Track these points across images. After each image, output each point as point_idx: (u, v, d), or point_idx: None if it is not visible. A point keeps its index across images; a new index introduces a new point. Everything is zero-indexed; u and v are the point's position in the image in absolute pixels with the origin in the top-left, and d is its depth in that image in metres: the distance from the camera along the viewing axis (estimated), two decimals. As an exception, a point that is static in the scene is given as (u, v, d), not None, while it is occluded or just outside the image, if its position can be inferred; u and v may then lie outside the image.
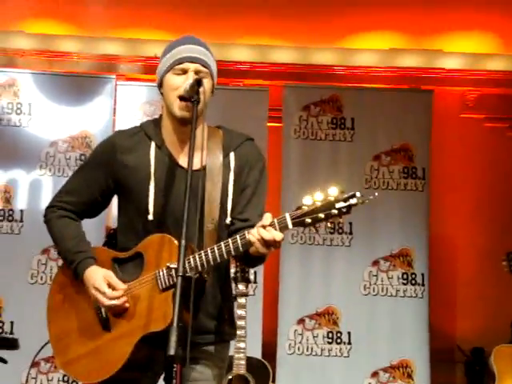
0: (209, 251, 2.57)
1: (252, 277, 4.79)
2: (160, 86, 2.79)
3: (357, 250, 6.14)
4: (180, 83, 2.70)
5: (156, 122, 2.84)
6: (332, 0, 6.43)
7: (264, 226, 2.50)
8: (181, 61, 2.71)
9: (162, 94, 2.79)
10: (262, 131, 6.10)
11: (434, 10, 6.44)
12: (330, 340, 6.05)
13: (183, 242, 2.42)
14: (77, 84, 6.26)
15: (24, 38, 6.38)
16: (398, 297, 6.10)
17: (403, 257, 6.14)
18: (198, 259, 2.57)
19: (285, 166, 6.22)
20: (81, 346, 2.76)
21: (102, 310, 2.72)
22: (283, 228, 2.50)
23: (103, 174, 2.81)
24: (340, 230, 6.15)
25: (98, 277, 2.69)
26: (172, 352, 2.28)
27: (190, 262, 2.56)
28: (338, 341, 6.04)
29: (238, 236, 2.56)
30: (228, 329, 2.84)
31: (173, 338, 2.30)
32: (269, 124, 6.24)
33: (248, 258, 2.64)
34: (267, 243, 2.50)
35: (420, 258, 6.14)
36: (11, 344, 5.29)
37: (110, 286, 2.67)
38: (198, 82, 2.64)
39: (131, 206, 2.78)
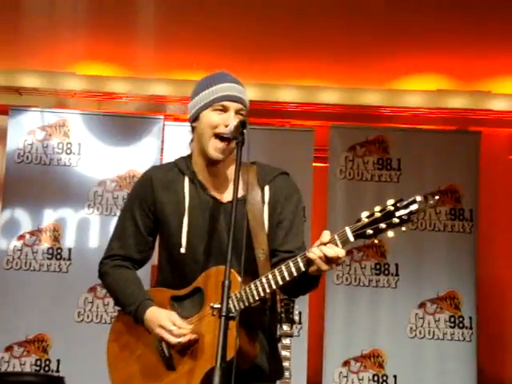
0: (269, 275, 2.55)
1: (297, 317, 4.74)
2: (193, 120, 2.79)
3: (403, 291, 6.08)
4: (219, 121, 2.71)
5: (187, 158, 2.87)
6: (379, 43, 6.44)
7: (324, 243, 2.47)
8: (222, 99, 2.72)
9: (193, 127, 2.80)
10: (308, 171, 6.13)
11: (482, 53, 6.42)
12: (376, 383, 5.97)
13: (227, 282, 2.40)
14: (125, 124, 6.35)
15: (75, 80, 6.49)
16: (445, 340, 6.01)
17: (450, 299, 6.06)
18: (259, 285, 2.55)
19: (331, 207, 6.20)
20: None
21: (165, 349, 2.70)
22: (344, 242, 2.47)
23: (144, 210, 2.83)
24: (386, 272, 6.10)
25: (163, 316, 2.68)
26: None
27: (251, 290, 2.55)
28: (384, 384, 5.97)
29: (298, 257, 2.52)
30: (277, 367, 2.82)
31: (216, 379, 2.29)
32: (314, 164, 6.26)
33: (303, 282, 2.58)
34: (329, 260, 2.46)
35: (468, 301, 6.05)
36: (57, 382, 5.32)
37: (174, 325, 2.66)
38: (242, 124, 2.64)
39: (169, 241, 2.79)
